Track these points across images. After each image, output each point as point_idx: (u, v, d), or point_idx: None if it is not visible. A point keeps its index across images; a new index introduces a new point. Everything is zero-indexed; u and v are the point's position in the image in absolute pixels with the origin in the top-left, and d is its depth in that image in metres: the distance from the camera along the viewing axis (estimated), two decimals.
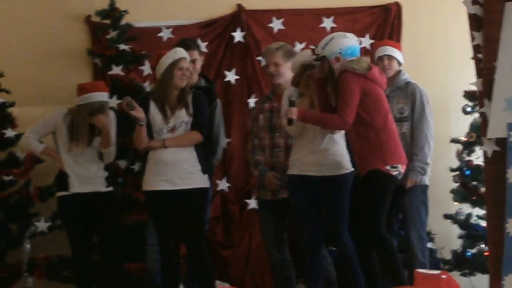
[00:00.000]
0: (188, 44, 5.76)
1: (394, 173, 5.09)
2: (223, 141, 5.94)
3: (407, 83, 5.79)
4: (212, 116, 5.71)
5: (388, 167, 5.06)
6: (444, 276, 5.05)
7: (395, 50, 5.83)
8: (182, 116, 5.26)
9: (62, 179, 5.57)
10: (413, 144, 5.67)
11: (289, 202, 5.48)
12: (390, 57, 5.80)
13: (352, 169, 5.30)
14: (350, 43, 5.14)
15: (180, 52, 5.36)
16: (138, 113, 5.22)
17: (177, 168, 5.23)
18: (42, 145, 5.64)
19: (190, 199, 5.23)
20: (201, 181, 5.28)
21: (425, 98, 5.76)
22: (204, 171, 5.29)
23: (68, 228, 5.60)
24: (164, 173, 5.24)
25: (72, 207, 5.54)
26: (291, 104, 5.14)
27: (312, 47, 5.27)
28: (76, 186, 5.53)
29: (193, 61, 5.66)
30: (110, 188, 5.66)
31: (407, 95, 5.73)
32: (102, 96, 5.63)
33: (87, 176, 5.57)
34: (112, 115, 5.68)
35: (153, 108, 5.29)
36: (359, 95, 5.02)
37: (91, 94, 5.58)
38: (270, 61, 5.69)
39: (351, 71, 5.04)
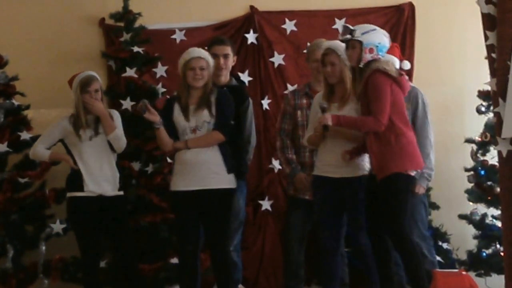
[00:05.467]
0: (221, 39, 5.80)
1: (413, 173, 5.10)
2: (255, 140, 5.91)
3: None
4: (245, 116, 5.70)
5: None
6: (464, 273, 5.09)
7: None
8: (204, 116, 5.25)
9: (75, 179, 5.48)
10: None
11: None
12: None
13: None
14: (386, 43, 5.11)
15: (192, 52, 5.36)
16: (152, 116, 5.23)
17: (200, 169, 5.21)
18: (48, 151, 5.53)
19: (215, 199, 5.20)
20: (226, 181, 5.24)
21: (426, 102, 5.70)
22: (230, 170, 5.25)
23: (79, 229, 5.51)
24: (188, 174, 5.23)
25: (85, 207, 5.44)
26: (323, 111, 5.09)
27: (348, 25, 5.15)
28: (91, 185, 5.43)
29: (224, 56, 5.68)
30: (121, 192, 5.57)
31: (409, 98, 5.62)
32: (86, 72, 5.55)
33: (100, 174, 5.46)
34: (115, 113, 5.60)
35: (177, 110, 5.31)
36: (390, 96, 5.00)
37: (78, 75, 5.50)
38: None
39: (384, 71, 5.00)
